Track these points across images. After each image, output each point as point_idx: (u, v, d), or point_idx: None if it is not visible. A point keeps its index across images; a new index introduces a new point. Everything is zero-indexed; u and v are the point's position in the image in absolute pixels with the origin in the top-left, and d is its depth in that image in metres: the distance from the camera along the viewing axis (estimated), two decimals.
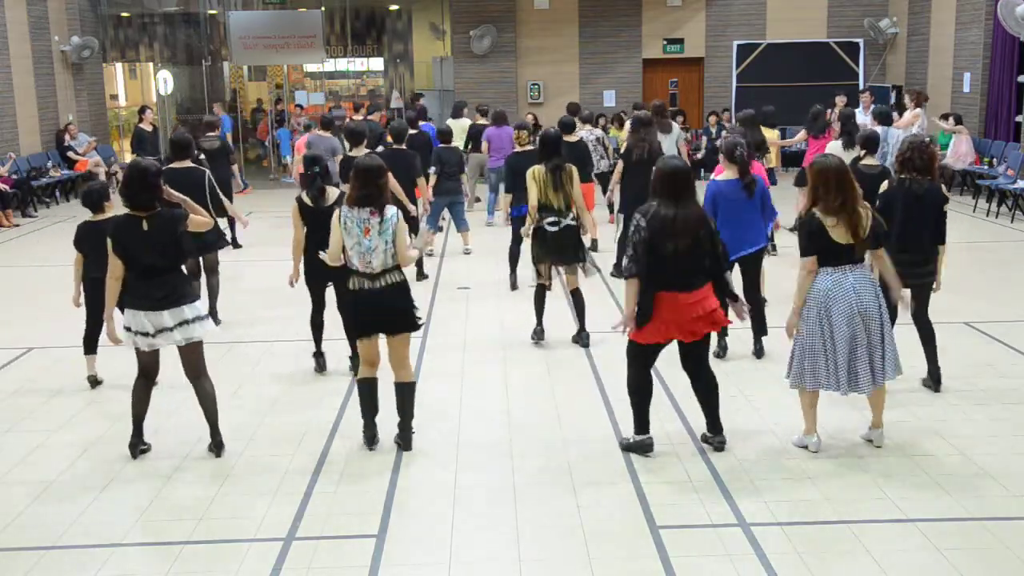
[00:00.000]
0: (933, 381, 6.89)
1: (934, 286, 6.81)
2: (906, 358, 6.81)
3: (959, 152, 15.60)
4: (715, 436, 5.95)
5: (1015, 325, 8.47)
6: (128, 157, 18.57)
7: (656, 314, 5.64)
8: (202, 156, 11.37)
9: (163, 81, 21.68)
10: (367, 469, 5.78)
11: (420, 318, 6.05)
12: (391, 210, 5.85)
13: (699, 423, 6.33)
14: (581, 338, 8.17)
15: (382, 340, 6.01)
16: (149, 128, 15.59)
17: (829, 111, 14.03)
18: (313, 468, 5.79)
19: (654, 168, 5.79)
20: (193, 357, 5.93)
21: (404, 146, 10.53)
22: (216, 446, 6.01)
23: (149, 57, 24.69)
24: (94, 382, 7.38)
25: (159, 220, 5.79)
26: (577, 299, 8.17)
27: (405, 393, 6.05)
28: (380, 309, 5.90)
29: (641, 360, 5.86)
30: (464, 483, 5.57)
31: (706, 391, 5.93)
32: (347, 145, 10.58)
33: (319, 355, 7.63)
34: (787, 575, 4.51)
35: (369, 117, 15.56)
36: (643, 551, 4.75)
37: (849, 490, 5.36)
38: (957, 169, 16.03)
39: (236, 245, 12.75)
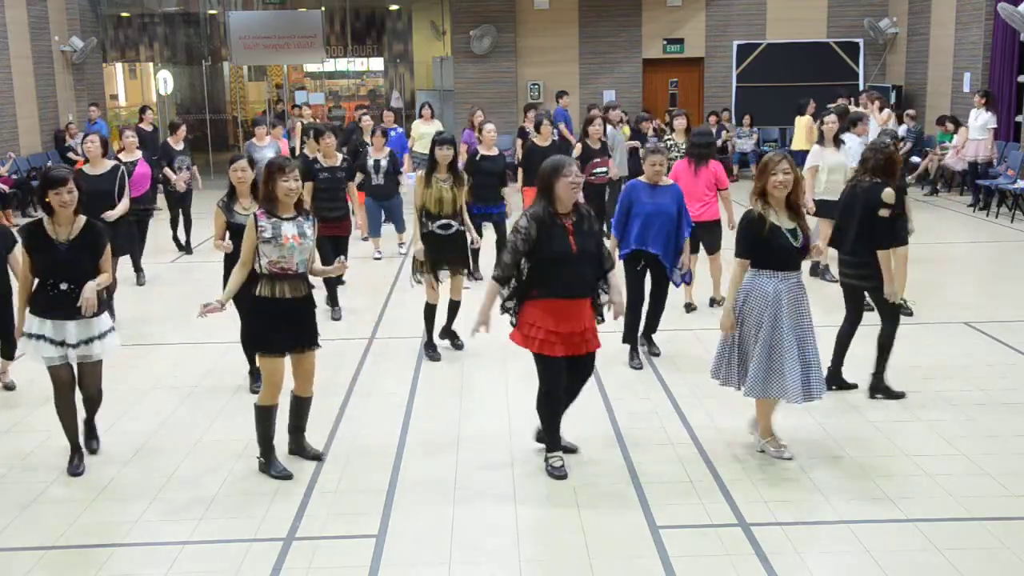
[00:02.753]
0: (869, 388, 6.70)
1: (886, 293, 6.40)
2: (903, 358, 6.85)
3: (960, 151, 15.60)
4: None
5: (1015, 325, 8.47)
6: None
7: None
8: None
9: (163, 81, 21.69)
10: (367, 469, 5.77)
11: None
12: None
13: (699, 422, 6.34)
14: (446, 331, 8.11)
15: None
16: (149, 128, 15.58)
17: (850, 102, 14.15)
18: (313, 468, 5.78)
19: None
20: None
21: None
22: None
23: (149, 57, 24.71)
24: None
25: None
26: (452, 308, 8.03)
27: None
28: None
29: None
30: (464, 483, 5.57)
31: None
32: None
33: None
34: (787, 575, 4.52)
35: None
36: (643, 551, 4.75)
37: (849, 490, 5.36)
38: (958, 169, 16.04)
39: (188, 251, 12.90)
